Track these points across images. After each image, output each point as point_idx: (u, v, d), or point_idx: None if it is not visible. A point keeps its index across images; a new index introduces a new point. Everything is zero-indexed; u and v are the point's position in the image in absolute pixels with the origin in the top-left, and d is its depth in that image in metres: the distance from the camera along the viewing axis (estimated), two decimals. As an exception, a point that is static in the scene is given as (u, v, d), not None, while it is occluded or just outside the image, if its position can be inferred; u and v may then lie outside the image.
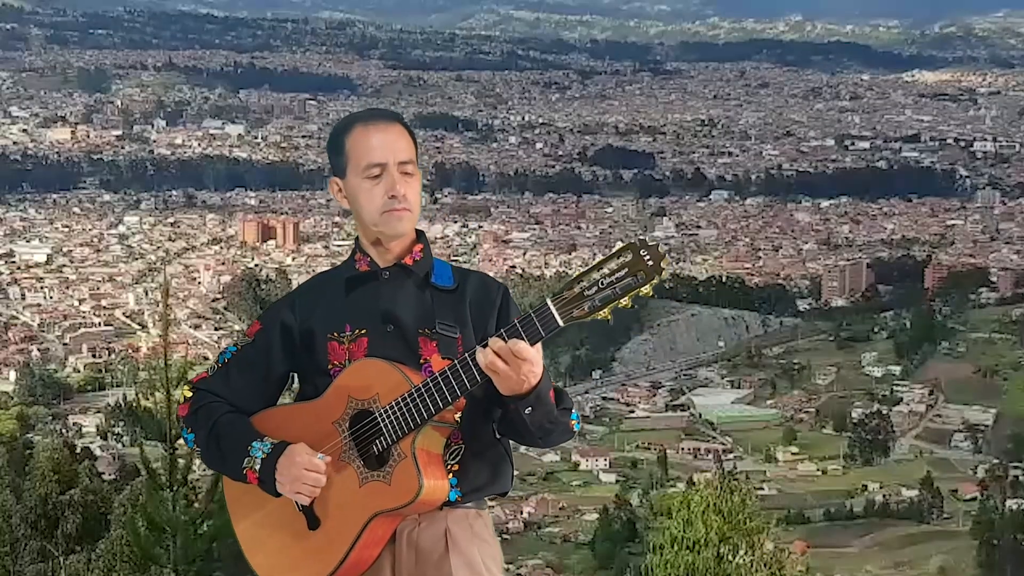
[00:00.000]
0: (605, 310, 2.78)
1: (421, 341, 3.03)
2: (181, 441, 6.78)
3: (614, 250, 2.80)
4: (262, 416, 3.09)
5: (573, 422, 3.07)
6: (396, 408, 2.91)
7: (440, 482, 2.95)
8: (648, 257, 2.76)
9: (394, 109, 3.21)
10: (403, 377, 2.92)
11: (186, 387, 3.15)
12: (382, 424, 2.92)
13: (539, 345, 2.88)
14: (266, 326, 3.14)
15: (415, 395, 2.89)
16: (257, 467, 2.97)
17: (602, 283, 2.77)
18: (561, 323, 2.80)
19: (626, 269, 2.76)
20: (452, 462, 3.02)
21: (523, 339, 2.82)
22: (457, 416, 2.99)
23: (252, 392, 3.11)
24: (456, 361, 2.89)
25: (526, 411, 2.90)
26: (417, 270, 3.10)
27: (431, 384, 2.88)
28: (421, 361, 3.01)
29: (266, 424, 3.06)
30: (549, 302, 2.81)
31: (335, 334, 3.05)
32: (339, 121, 3.19)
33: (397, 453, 2.92)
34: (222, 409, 3.07)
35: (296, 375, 3.15)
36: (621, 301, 2.77)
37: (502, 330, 2.84)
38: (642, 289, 2.77)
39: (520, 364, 2.82)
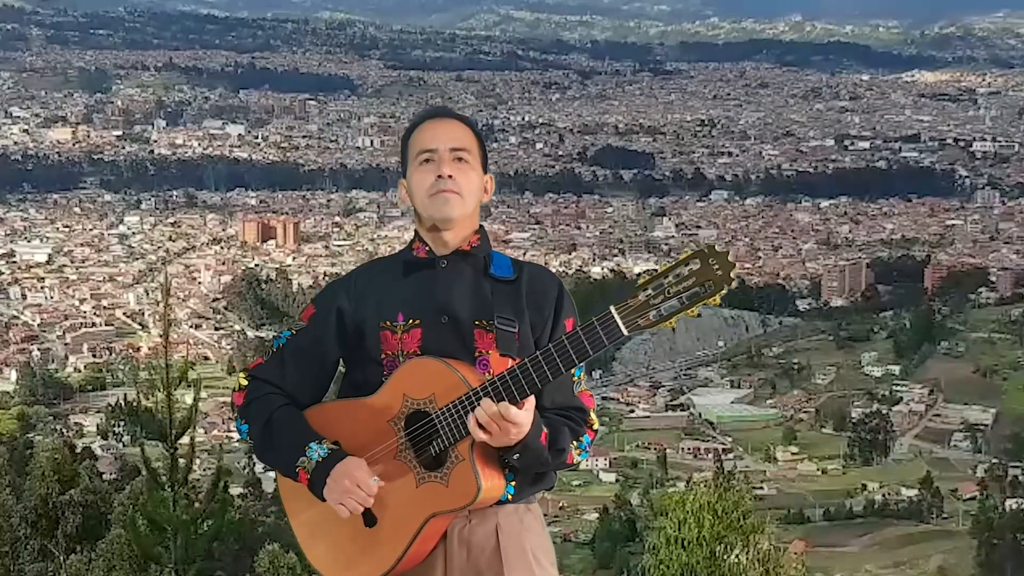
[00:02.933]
0: (671, 319, 2.71)
1: (477, 334, 3.00)
2: (184, 440, 6.84)
3: (682, 256, 2.72)
4: (317, 410, 3.07)
5: (576, 452, 3.04)
6: (453, 411, 2.89)
7: (497, 482, 2.95)
8: (717, 266, 2.67)
9: (453, 107, 3.22)
10: (460, 378, 2.89)
11: (242, 375, 3.12)
12: (439, 426, 2.91)
13: (531, 402, 2.86)
14: (320, 310, 3.10)
15: (472, 398, 2.86)
16: (311, 468, 2.96)
17: (669, 291, 2.70)
18: (626, 332, 2.74)
19: (694, 278, 2.68)
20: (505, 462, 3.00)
21: (587, 348, 2.78)
22: None
23: (306, 378, 3.09)
24: (516, 367, 2.85)
25: (514, 458, 2.91)
26: (476, 253, 3.07)
27: (489, 387, 2.85)
28: (476, 354, 2.99)
29: (321, 419, 3.05)
30: (613, 310, 2.75)
31: (388, 323, 3.02)
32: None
33: (455, 455, 2.91)
34: (277, 402, 3.05)
35: (344, 361, 3.12)
36: (689, 311, 2.70)
37: (563, 338, 2.82)
38: (710, 299, 2.69)
39: (509, 427, 2.82)
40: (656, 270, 2.80)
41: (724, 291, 2.69)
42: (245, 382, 3.10)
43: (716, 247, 2.72)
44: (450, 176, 3.04)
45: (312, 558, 3.11)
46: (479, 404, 2.85)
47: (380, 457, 3.00)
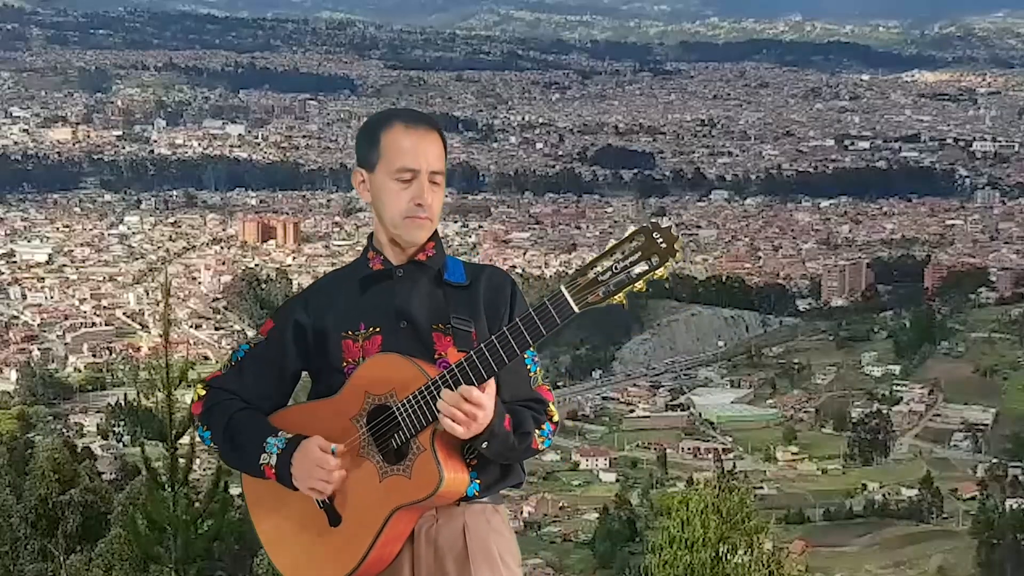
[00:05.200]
0: (620, 295, 2.76)
1: (435, 336, 3.03)
2: (184, 440, 6.82)
3: (627, 234, 2.78)
4: (280, 415, 3.09)
5: (541, 439, 3.04)
6: (413, 401, 2.90)
7: (460, 475, 2.95)
8: (661, 240, 2.74)
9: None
10: (419, 370, 2.91)
11: (200, 385, 3.13)
12: (400, 418, 2.92)
13: (491, 386, 2.87)
14: (279, 325, 3.13)
15: (432, 387, 2.88)
16: (273, 462, 2.98)
17: (616, 268, 2.76)
18: (576, 309, 2.78)
19: (639, 253, 2.74)
20: (470, 457, 3.00)
21: (540, 328, 2.82)
22: None
23: (265, 390, 3.10)
24: (472, 352, 2.88)
25: (483, 446, 2.91)
26: (431, 265, 3.09)
27: (447, 376, 2.87)
28: (436, 356, 3.01)
29: (284, 422, 3.06)
30: (563, 288, 2.79)
31: (349, 332, 3.04)
32: (377, 113, 3.16)
33: (416, 446, 2.91)
34: (236, 405, 3.07)
35: (309, 374, 3.14)
36: (636, 285, 2.76)
37: (517, 320, 2.85)
38: (656, 272, 2.75)
39: (475, 411, 2.82)
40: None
41: (669, 264, 2.75)
42: (203, 392, 3.12)
43: (660, 222, 2.78)
44: (429, 204, 3.06)
45: (278, 563, 3.10)
46: (439, 393, 2.87)
47: (343, 455, 2.99)
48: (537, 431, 3.04)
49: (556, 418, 3.11)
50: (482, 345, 2.88)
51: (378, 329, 3.04)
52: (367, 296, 3.08)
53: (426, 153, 3.05)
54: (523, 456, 3.05)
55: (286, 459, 2.96)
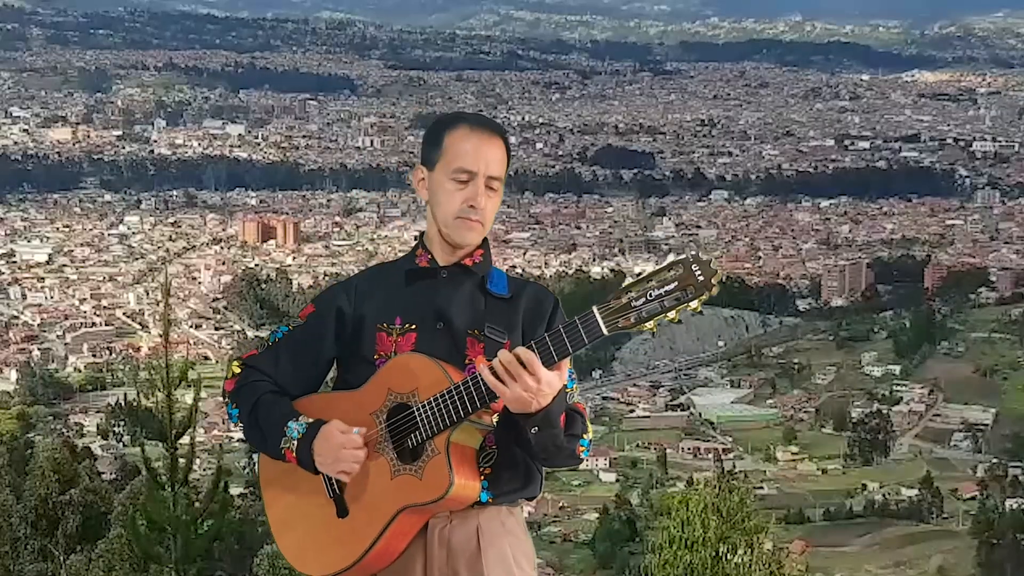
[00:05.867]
0: (651, 322, 2.76)
1: (469, 342, 3.05)
2: (184, 440, 6.83)
3: (666, 262, 2.78)
4: (304, 401, 3.11)
5: (582, 448, 3.06)
6: (433, 404, 2.92)
7: (471, 482, 2.97)
8: (699, 272, 2.73)
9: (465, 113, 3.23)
10: (443, 374, 2.93)
11: (235, 363, 3.16)
12: (418, 419, 2.94)
13: (565, 365, 2.87)
14: (320, 310, 3.15)
15: (453, 392, 2.90)
16: (294, 447, 2.99)
17: (650, 295, 2.75)
18: (606, 332, 2.77)
19: (676, 283, 2.73)
20: (485, 465, 3.03)
21: (567, 345, 2.80)
22: (494, 418, 2.99)
23: (298, 374, 3.13)
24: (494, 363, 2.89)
25: (531, 431, 2.90)
26: (476, 271, 3.12)
27: (470, 383, 2.88)
28: (467, 362, 3.03)
29: (306, 410, 3.08)
30: (595, 310, 2.79)
31: (385, 325, 3.07)
32: (444, 114, 3.20)
33: (431, 449, 2.93)
34: (266, 388, 3.09)
35: (339, 362, 3.17)
36: (668, 315, 2.75)
37: (545, 335, 2.84)
38: (690, 304, 2.74)
39: (523, 375, 2.80)
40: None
41: (705, 296, 2.74)
42: (238, 370, 3.15)
43: (701, 254, 2.77)
44: (482, 207, 3.09)
45: (283, 547, 3.15)
46: (459, 398, 2.89)
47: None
48: (580, 439, 3.08)
49: (590, 435, 3.14)
50: None
51: (414, 326, 3.06)
52: (408, 291, 3.11)
53: (486, 157, 3.07)
54: (565, 459, 3.06)
55: (307, 444, 2.98)
